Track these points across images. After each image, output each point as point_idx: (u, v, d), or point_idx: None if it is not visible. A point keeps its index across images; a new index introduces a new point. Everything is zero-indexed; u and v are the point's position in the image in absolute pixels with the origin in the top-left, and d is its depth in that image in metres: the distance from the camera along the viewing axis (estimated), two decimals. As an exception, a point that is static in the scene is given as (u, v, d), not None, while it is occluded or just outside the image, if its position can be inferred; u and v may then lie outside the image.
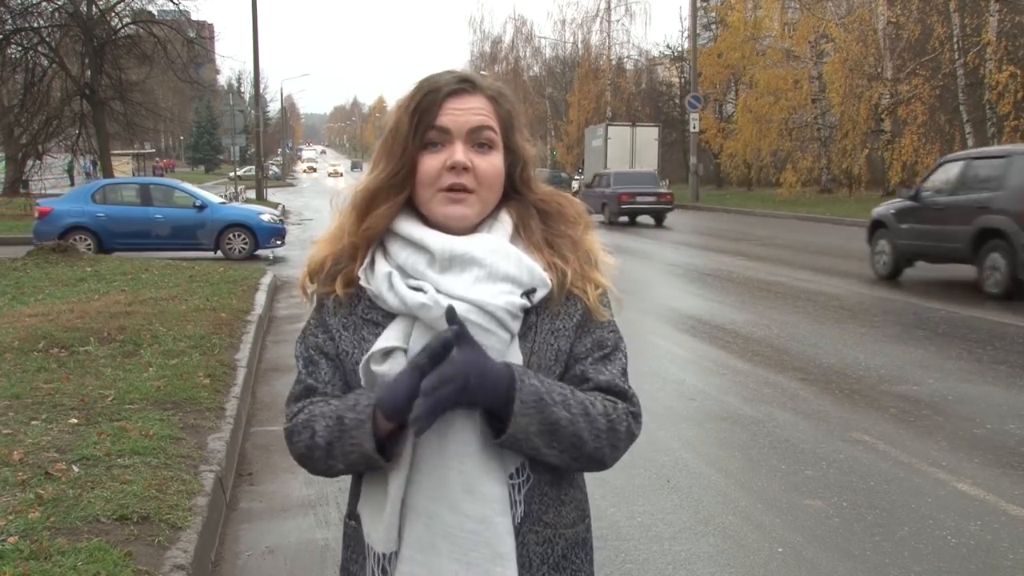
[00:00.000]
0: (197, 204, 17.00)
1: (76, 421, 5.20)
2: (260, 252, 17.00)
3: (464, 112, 1.48)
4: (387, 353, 1.45)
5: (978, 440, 5.53)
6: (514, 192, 1.55)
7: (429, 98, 1.48)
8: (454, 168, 1.46)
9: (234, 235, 16.86)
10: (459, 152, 1.46)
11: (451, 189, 1.47)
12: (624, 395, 1.51)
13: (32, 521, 3.71)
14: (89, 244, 16.33)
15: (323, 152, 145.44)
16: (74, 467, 4.40)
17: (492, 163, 1.49)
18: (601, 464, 1.51)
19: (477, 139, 1.48)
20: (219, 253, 16.72)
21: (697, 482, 4.89)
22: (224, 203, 18.37)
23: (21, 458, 4.49)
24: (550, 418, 1.41)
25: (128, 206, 16.92)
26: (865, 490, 4.74)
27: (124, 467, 4.43)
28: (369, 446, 1.42)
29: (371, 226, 1.50)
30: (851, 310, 10.33)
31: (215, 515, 4.25)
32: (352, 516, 1.57)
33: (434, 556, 1.45)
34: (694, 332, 9.18)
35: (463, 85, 1.49)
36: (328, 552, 4.09)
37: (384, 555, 1.48)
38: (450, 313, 1.39)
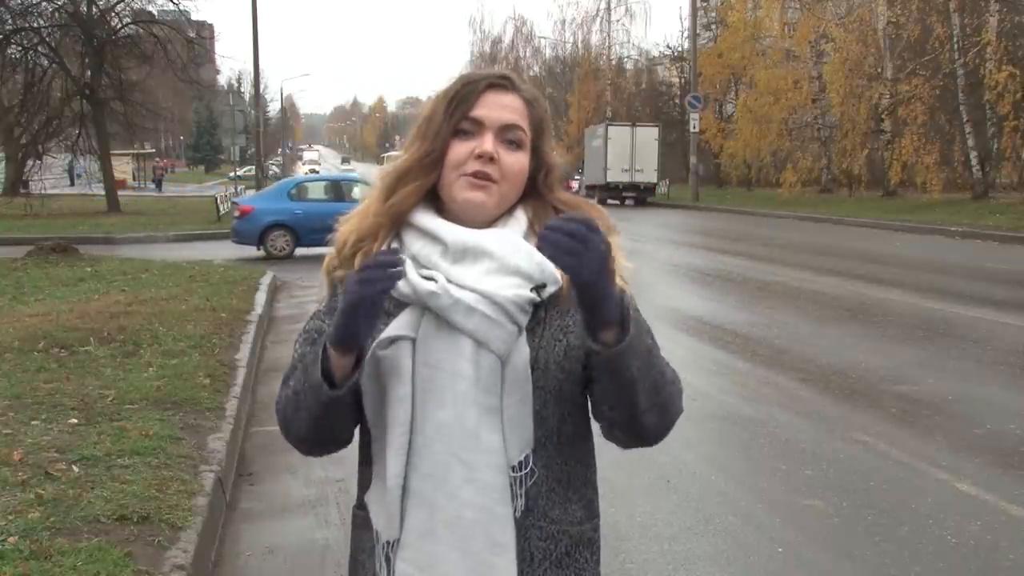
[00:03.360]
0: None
1: (76, 421, 5.20)
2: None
3: (500, 108, 1.52)
4: (393, 341, 1.47)
5: (978, 440, 5.53)
6: (535, 193, 1.58)
7: (468, 88, 1.53)
8: (481, 157, 1.49)
9: None
10: (488, 142, 1.50)
11: (475, 175, 1.50)
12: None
13: (32, 521, 3.71)
14: (287, 241, 16.51)
15: (318, 151, 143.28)
16: (74, 467, 4.40)
17: (518, 160, 1.53)
18: (662, 425, 1.51)
19: (507, 136, 1.52)
20: None
21: (697, 482, 4.89)
22: None
23: (21, 458, 4.49)
24: (644, 343, 1.46)
25: (323, 202, 16.97)
26: (865, 490, 4.74)
27: (124, 467, 4.43)
28: (315, 374, 1.44)
29: (395, 204, 1.54)
30: (851, 310, 10.33)
31: (215, 515, 4.25)
32: (361, 506, 1.59)
33: (434, 543, 1.47)
34: (694, 332, 9.18)
35: (502, 81, 1.54)
36: (328, 552, 4.09)
37: (389, 542, 1.51)
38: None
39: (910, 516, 4.38)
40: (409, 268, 1.49)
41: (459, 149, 1.51)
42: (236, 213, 17.31)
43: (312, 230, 16.41)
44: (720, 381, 7.14)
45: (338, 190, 17.57)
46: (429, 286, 1.46)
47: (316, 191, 17.77)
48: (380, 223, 1.55)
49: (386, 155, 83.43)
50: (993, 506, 4.49)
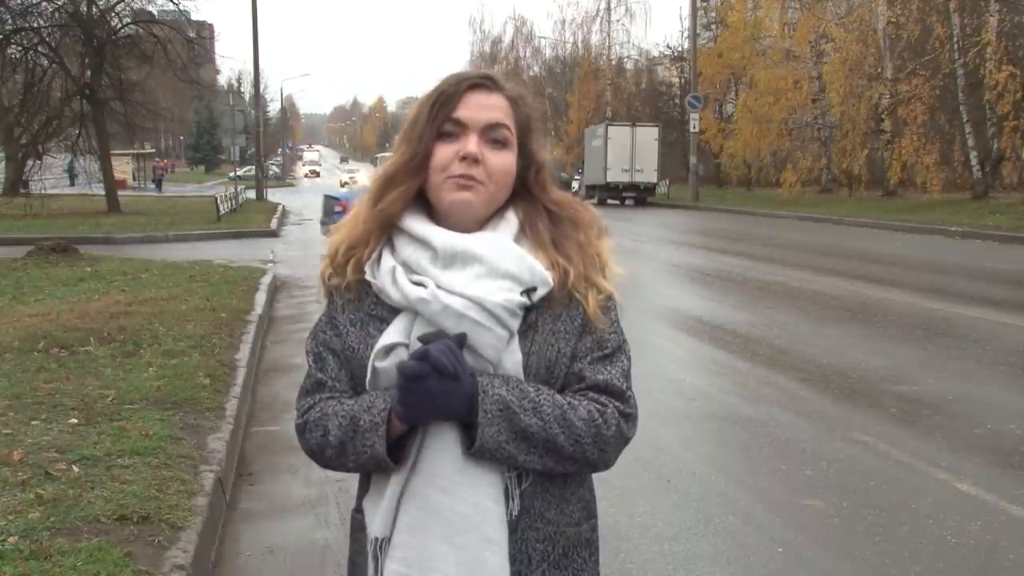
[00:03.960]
0: None
1: (76, 421, 5.20)
2: None
3: (482, 107, 1.52)
4: (389, 349, 1.48)
5: (978, 440, 5.53)
6: (526, 193, 1.58)
7: (450, 89, 1.52)
8: (466, 159, 1.49)
9: None
10: (472, 144, 1.50)
11: (461, 177, 1.50)
12: (620, 395, 1.52)
13: (32, 521, 3.71)
14: None
15: (318, 151, 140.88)
16: (74, 467, 4.40)
17: (504, 159, 1.52)
18: (592, 467, 1.53)
19: (492, 135, 1.52)
20: None
21: (697, 482, 4.89)
22: None
23: (21, 458, 4.49)
24: (519, 426, 1.44)
25: None
26: (865, 490, 4.74)
27: (124, 467, 4.43)
28: (381, 449, 1.46)
29: (384, 209, 1.54)
30: (851, 310, 10.33)
31: (215, 515, 4.25)
32: (360, 509, 1.60)
33: (425, 538, 1.47)
34: (694, 332, 9.18)
35: (484, 81, 1.54)
36: (328, 552, 4.09)
37: (378, 540, 1.51)
38: (460, 339, 1.44)
39: (910, 516, 4.38)
40: (399, 274, 1.50)
41: (443, 152, 1.50)
42: (336, 208, 17.91)
43: None
44: (720, 381, 7.14)
45: None
46: (419, 292, 1.47)
47: None
48: (370, 229, 1.55)
49: (379, 155, 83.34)
50: (993, 506, 4.49)
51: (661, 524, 4.32)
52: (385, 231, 1.55)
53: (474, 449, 1.44)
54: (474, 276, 1.48)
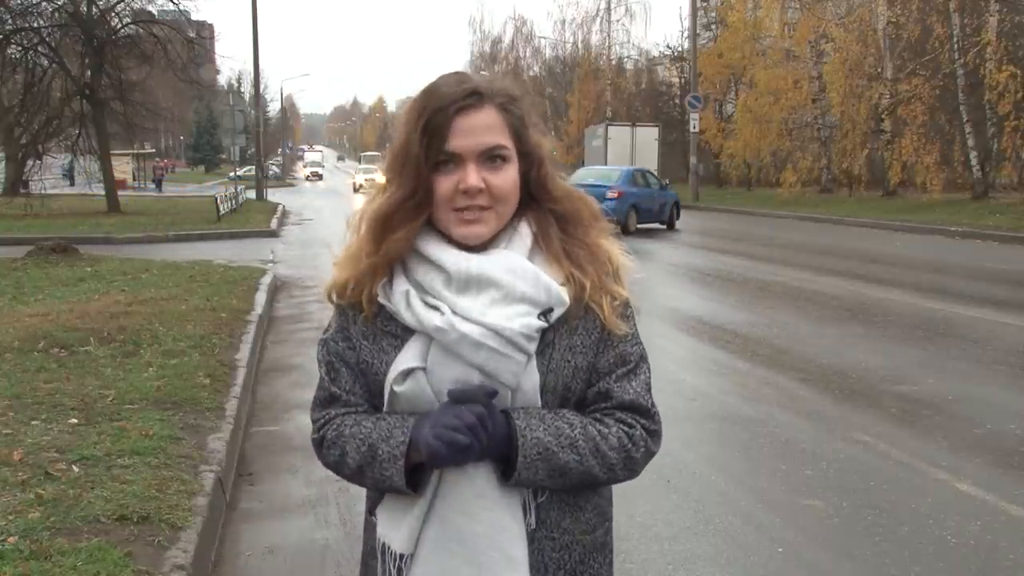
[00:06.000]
0: (661, 186, 23.45)
1: (76, 421, 5.20)
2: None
3: (474, 133, 1.45)
4: (407, 374, 1.46)
5: (978, 440, 5.53)
6: (531, 198, 1.53)
7: (438, 118, 1.44)
8: (467, 192, 1.44)
9: (675, 210, 23.04)
10: (471, 176, 1.44)
11: (466, 211, 1.46)
12: (647, 413, 1.52)
13: (32, 521, 3.71)
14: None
15: (321, 152, 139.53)
16: (74, 467, 4.41)
17: (506, 178, 1.47)
18: (619, 482, 1.55)
19: (489, 154, 1.46)
20: (664, 225, 22.61)
21: (697, 482, 4.89)
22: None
23: (21, 458, 4.49)
24: (557, 464, 1.44)
25: (644, 187, 22.46)
26: (865, 490, 4.74)
27: (124, 467, 4.43)
28: (399, 481, 1.46)
29: (389, 251, 1.48)
30: (851, 310, 10.33)
31: (215, 515, 4.25)
32: (374, 512, 1.58)
33: (447, 558, 1.47)
34: (694, 332, 9.18)
35: (470, 100, 1.45)
36: (328, 552, 4.09)
37: (401, 556, 1.50)
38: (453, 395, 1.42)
39: (910, 516, 4.38)
40: (413, 298, 1.47)
41: (444, 184, 1.45)
42: (614, 195, 20.43)
43: (642, 210, 21.68)
44: (720, 381, 7.14)
45: (645, 178, 23.03)
46: (435, 320, 1.43)
47: (641, 179, 22.83)
48: (376, 266, 1.49)
49: (363, 154, 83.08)
50: (993, 506, 4.49)
51: (661, 524, 4.32)
52: (391, 267, 1.50)
53: (509, 484, 1.45)
54: (490, 302, 1.44)
